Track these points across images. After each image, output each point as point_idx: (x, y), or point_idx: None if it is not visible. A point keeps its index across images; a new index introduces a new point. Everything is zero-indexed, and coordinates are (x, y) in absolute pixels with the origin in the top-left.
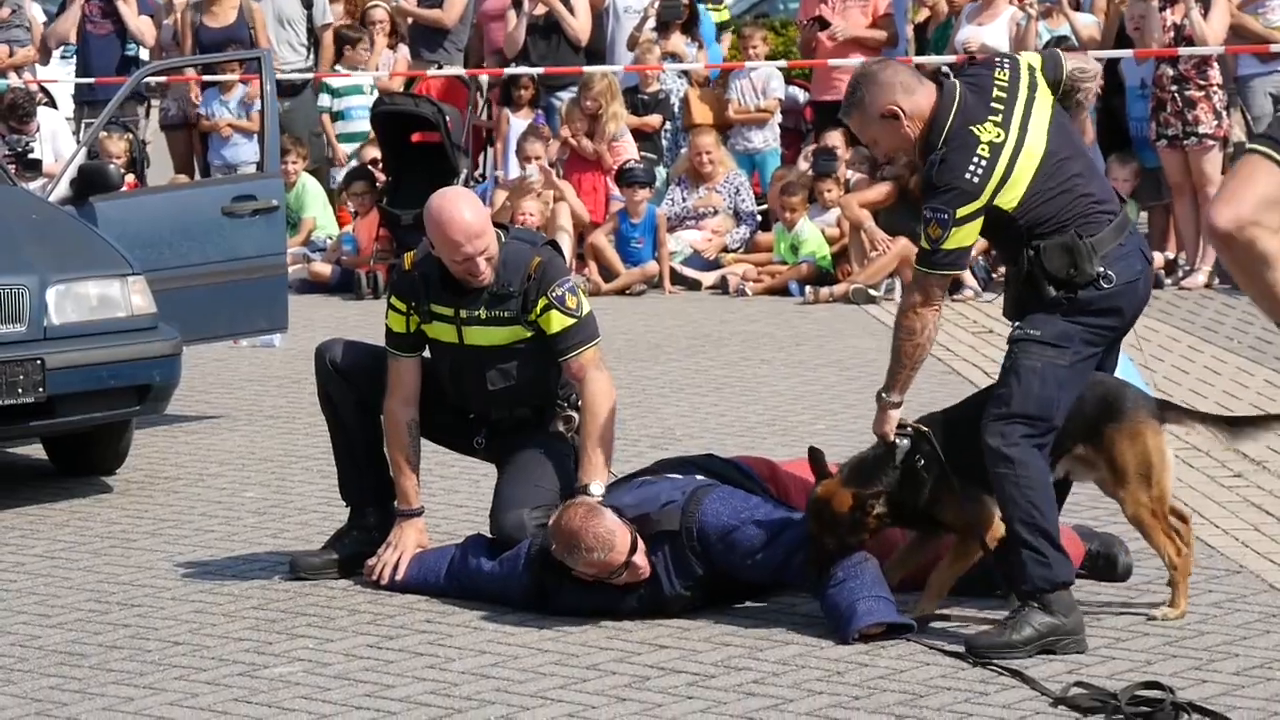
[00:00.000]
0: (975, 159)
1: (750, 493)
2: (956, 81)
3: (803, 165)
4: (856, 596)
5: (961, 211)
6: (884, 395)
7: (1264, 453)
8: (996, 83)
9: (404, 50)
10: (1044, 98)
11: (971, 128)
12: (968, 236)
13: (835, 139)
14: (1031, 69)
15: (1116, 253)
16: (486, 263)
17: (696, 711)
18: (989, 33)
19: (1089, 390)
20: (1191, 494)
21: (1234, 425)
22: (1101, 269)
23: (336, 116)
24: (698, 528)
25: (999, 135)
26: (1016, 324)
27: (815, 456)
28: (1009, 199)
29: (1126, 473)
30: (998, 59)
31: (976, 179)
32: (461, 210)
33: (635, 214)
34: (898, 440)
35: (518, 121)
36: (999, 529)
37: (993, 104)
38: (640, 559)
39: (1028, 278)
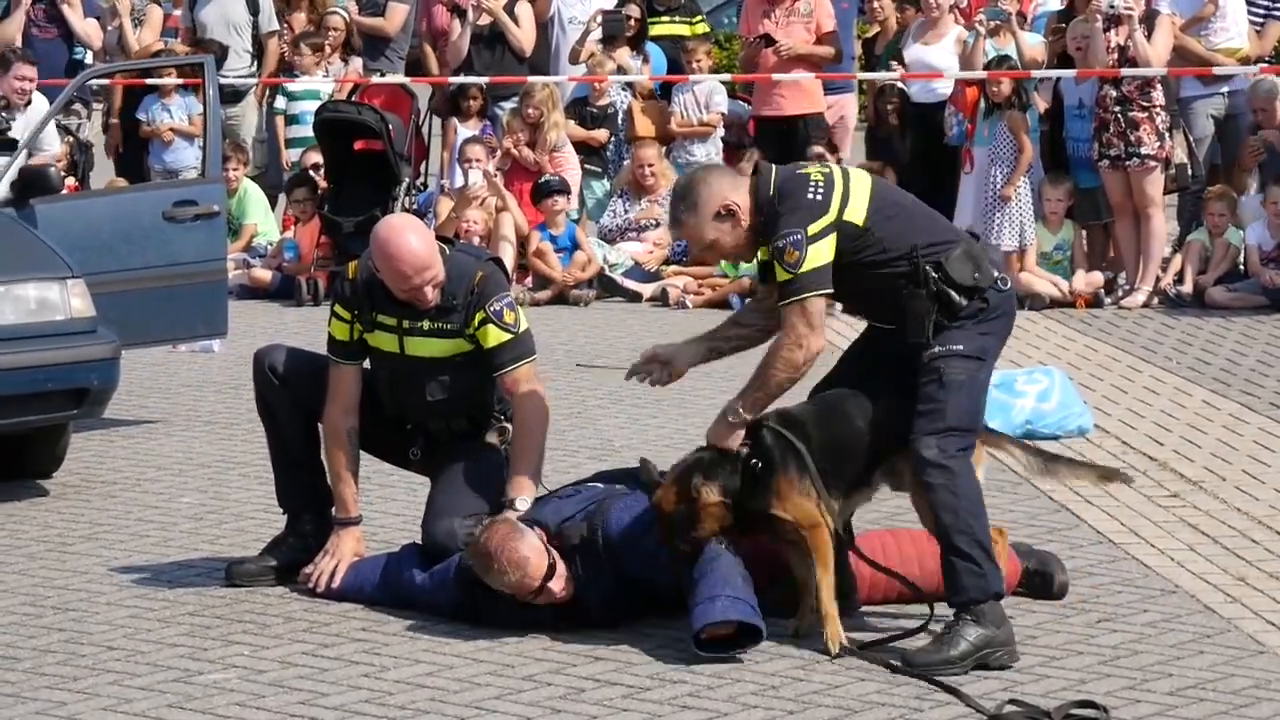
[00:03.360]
0: (811, 185)
1: None
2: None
3: None
4: (697, 599)
5: (813, 228)
6: (739, 412)
7: (1200, 473)
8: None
9: (357, 62)
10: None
11: (797, 173)
12: (824, 254)
13: (746, 167)
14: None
15: (994, 264)
16: (433, 289)
17: None
18: (935, 52)
19: (888, 404)
20: (1128, 513)
21: (1048, 460)
22: (995, 273)
23: (290, 121)
24: (603, 534)
25: (825, 169)
26: (934, 344)
27: (644, 467)
28: (856, 212)
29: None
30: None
31: (820, 196)
32: (409, 241)
33: (554, 225)
34: (740, 449)
35: (465, 131)
36: (825, 533)
37: (808, 169)
38: (557, 584)
39: (937, 296)
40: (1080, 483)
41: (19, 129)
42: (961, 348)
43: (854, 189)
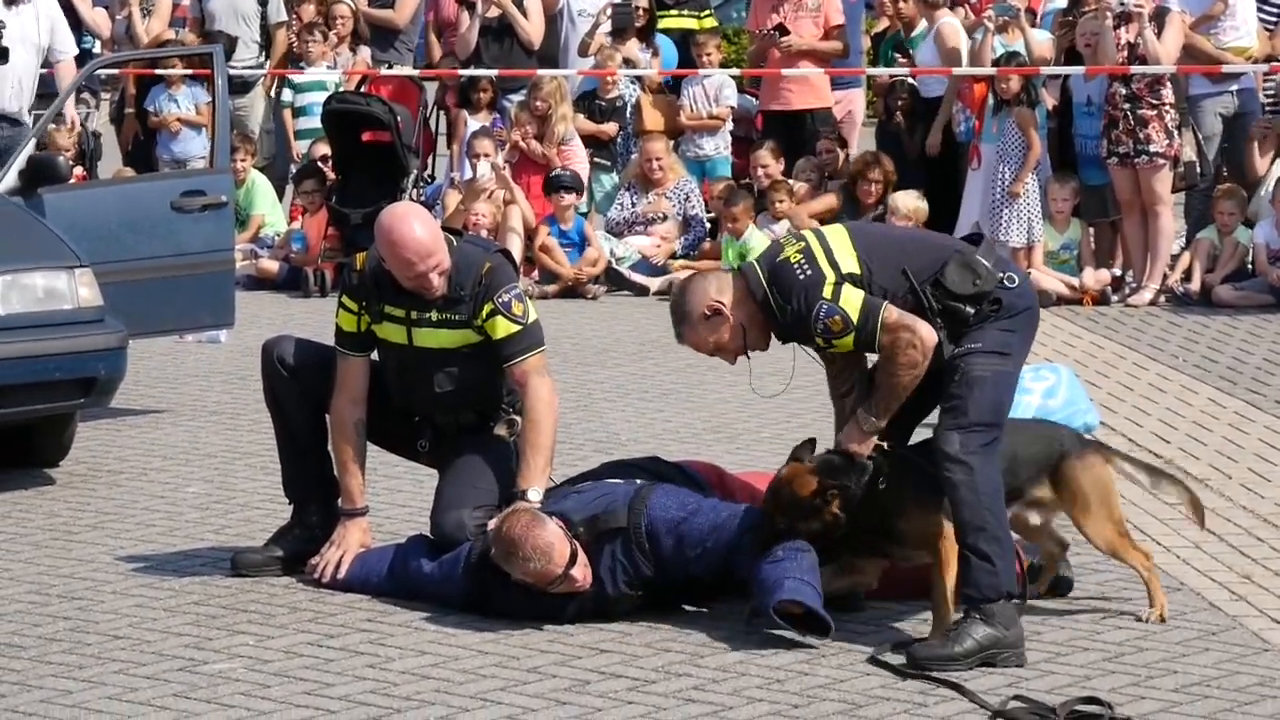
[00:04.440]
0: (795, 267)
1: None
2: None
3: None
4: (788, 575)
5: (826, 292)
6: (872, 420)
7: (1206, 471)
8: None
9: (365, 52)
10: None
11: (778, 261)
12: (855, 294)
13: (765, 157)
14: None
15: (997, 263)
16: (439, 276)
17: (636, 717)
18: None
19: (1020, 434)
20: (1134, 510)
21: (1153, 474)
22: (998, 273)
23: (298, 112)
24: (646, 523)
25: (799, 244)
26: (954, 348)
27: (804, 444)
28: (848, 264)
29: (1090, 503)
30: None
31: (809, 271)
32: (413, 228)
33: (563, 220)
34: (867, 464)
35: (475, 124)
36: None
37: (785, 251)
38: (578, 572)
39: (944, 312)
40: (1175, 501)
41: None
42: (981, 345)
43: (835, 246)
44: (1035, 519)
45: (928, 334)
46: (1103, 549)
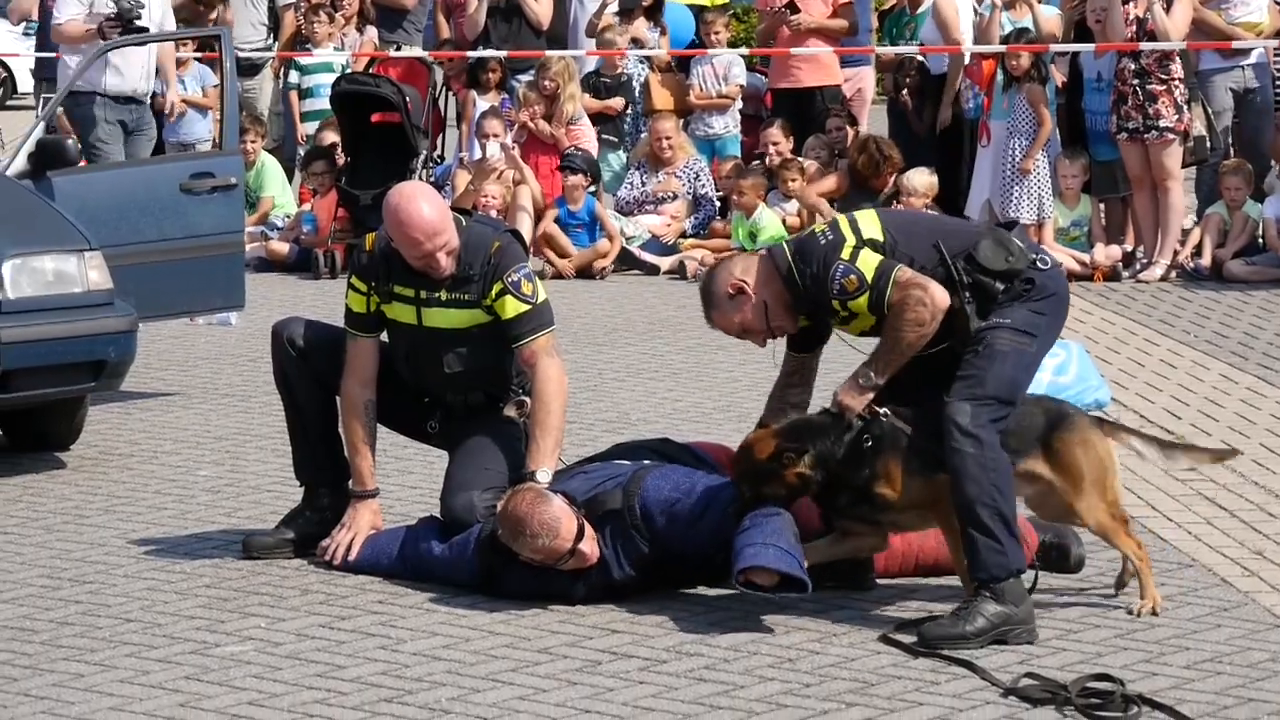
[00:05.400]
0: (819, 235)
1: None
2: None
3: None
4: (750, 542)
5: (845, 254)
6: (871, 377)
7: (1217, 446)
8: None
9: (372, 32)
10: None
11: (802, 237)
12: (872, 256)
13: (775, 134)
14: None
15: (1030, 247)
16: (447, 256)
17: (648, 696)
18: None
19: (1026, 406)
20: (1145, 487)
21: (1165, 448)
22: (1031, 254)
23: (305, 94)
24: (640, 503)
25: (825, 221)
26: (982, 323)
27: (775, 411)
28: (871, 230)
29: (1083, 481)
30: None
31: (830, 236)
32: (421, 207)
33: (573, 201)
34: (854, 420)
35: (484, 104)
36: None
37: (812, 228)
38: (587, 546)
39: (973, 286)
40: (1198, 466)
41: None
42: (1009, 321)
43: (860, 218)
44: (1025, 490)
45: (939, 294)
46: (1093, 530)
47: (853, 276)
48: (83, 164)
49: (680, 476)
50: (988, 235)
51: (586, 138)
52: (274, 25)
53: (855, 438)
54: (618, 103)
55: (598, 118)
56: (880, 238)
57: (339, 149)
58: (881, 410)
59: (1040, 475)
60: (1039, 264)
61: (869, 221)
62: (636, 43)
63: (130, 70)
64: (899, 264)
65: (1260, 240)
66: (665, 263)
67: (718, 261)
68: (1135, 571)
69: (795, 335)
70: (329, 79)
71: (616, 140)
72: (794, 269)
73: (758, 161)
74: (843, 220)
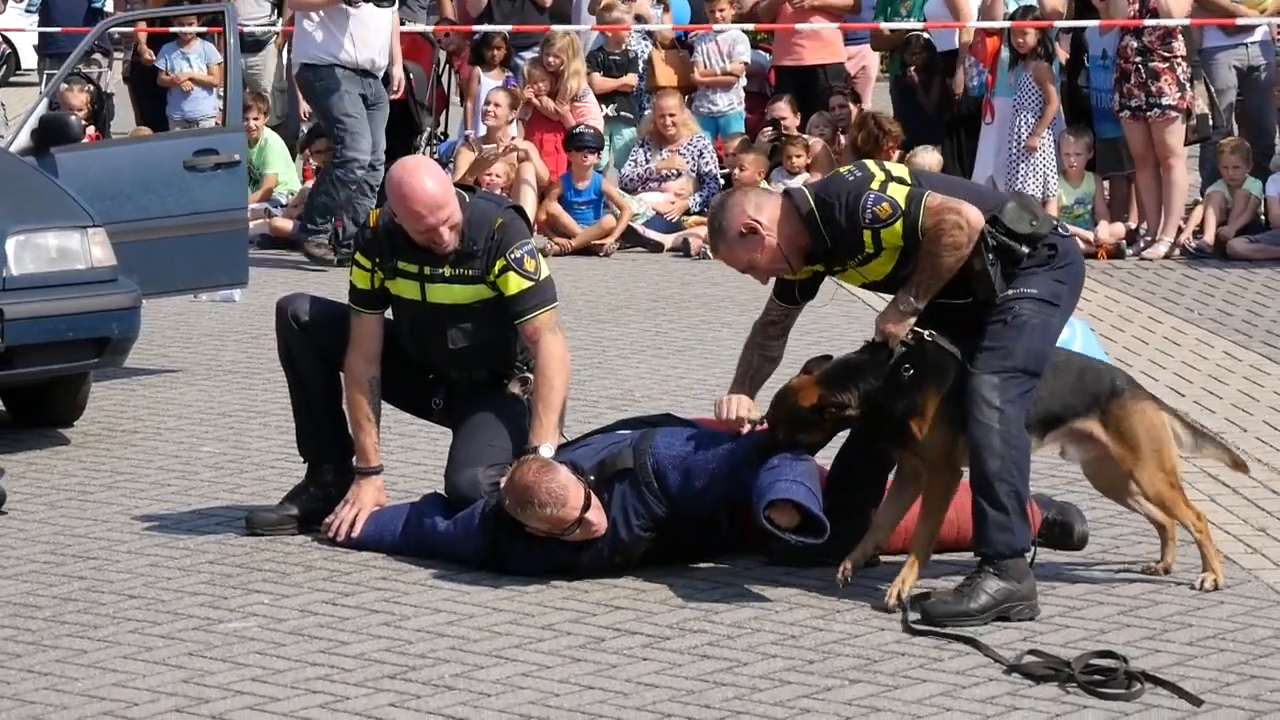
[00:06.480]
0: (845, 172)
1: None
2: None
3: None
4: (779, 478)
5: (875, 185)
6: (911, 301)
7: (1221, 424)
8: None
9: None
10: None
11: (827, 176)
12: (902, 188)
13: (782, 109)
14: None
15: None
16: (450, 230)
17: (651, 673)
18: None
19: (1073, 362)
20: None
21: (1200, 436)
22: (1054, 222)
23: None
24: (652, 461)
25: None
26: (1008, 289)
27: (819, 358)
28: (899, 172)
29: (1141, 449)
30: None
31: (858, 173)
32: (424, 181)
33: (580, 178)
34: (897, 347)
35: (489, 81)
36: (945, 484)
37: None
38: (594, 515)
39: (998, 249)
40: (1217, 463)
41: None
42: (1035, 291)
43: (889, 165)
44: (1072, 453)
45: (973, 215)
46: (1152, 500)
47: (885, 204)
48: (87, 140)
49: (689, 433)
50: (1013, 199)
51: (592, 115)
52: (278, 1)
53: (896, 365)
54: (632, 79)
55: (610, 96)
56: (908, 180)
57: None
58: (925, 332)
59: (1096, 438)
60: (1060, 230)
61: (897, 167)
62: (640, 19)
63: (372, 41)
64: (928, 190)
65: (1263, 218)
66: (669, 240)
67: (730, 193)
68: (1197, 543)
69: (789, 284)
70: None
71: (631, 116)
72: (816, 211)
73: (771, 128)
74: (870, 162)
